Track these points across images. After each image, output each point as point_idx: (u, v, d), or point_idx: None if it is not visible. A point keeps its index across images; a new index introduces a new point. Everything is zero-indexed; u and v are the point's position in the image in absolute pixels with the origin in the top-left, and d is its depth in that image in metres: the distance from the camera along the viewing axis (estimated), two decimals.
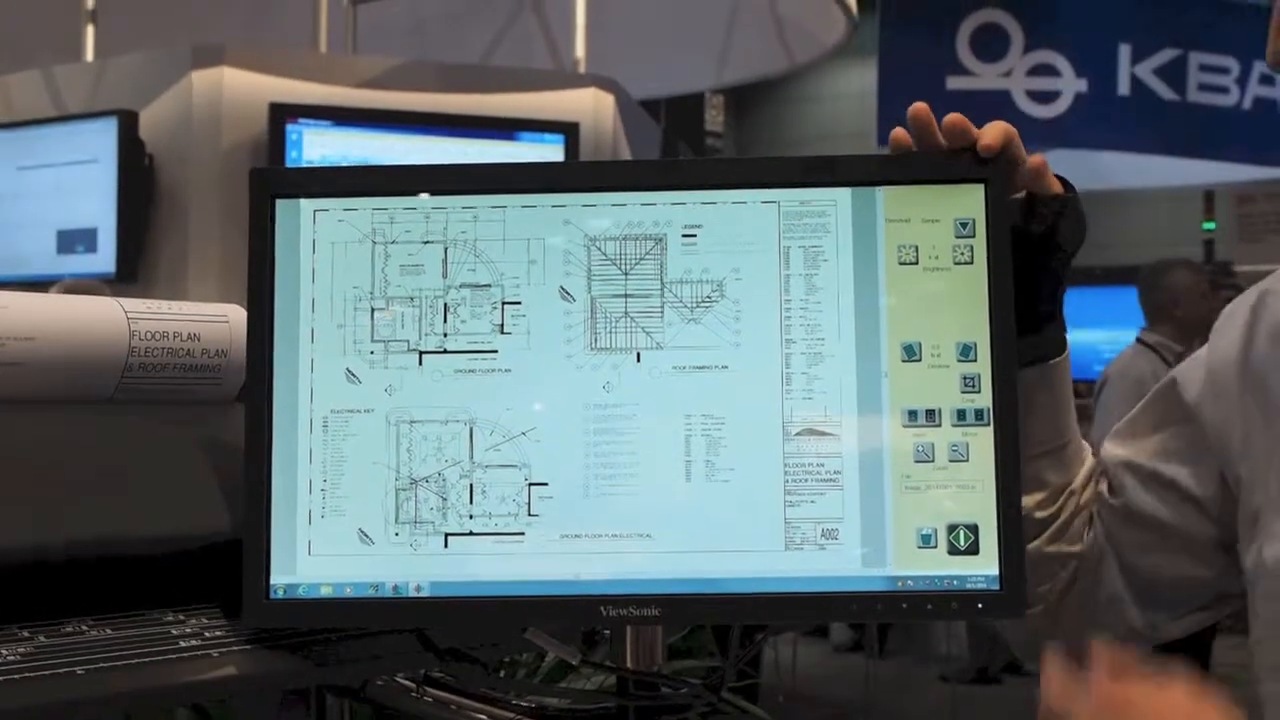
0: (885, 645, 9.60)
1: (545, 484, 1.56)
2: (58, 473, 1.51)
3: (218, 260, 5.89)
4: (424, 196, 1.60)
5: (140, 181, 5.94)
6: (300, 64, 6.24)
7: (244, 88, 5.99)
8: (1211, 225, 11.75)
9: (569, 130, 6.22)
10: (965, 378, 1.55)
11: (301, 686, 1.65)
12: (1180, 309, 6.56)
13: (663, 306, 1.57)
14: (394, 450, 1.56)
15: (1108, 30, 9.71)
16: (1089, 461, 1.80)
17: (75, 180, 6.03)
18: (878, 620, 1.46)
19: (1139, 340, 6.59)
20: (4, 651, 1.36)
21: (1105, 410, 6.32)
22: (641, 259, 1.58)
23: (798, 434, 1.55)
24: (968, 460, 1.54)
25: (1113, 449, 1.80)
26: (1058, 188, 1.64)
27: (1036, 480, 1.73)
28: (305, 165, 5.67)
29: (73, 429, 1.58)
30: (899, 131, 1.64)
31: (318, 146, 5.96)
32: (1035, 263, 1.63)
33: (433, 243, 1.59)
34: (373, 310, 1.58)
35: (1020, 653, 1.82)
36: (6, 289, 1.60)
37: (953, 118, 1.60)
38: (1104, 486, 1.79)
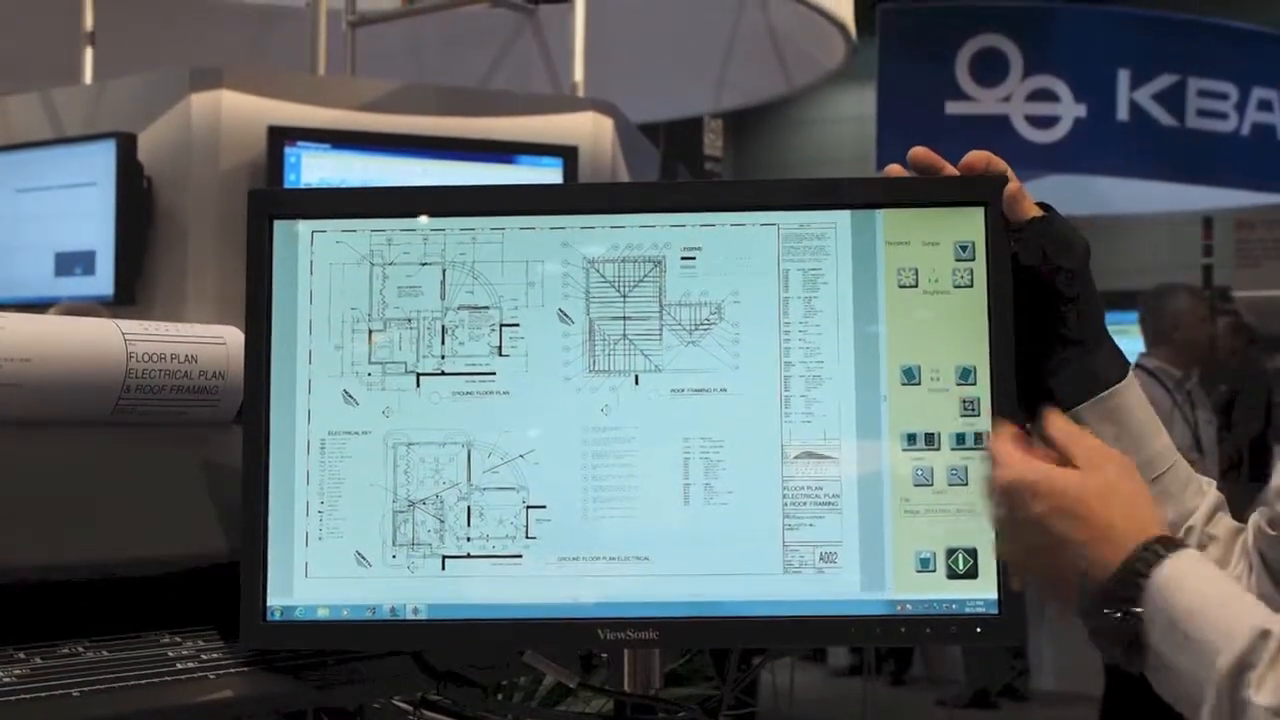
0: (904, 673, 9.59)
1: (543, 506, 1.56)
2: (54, 494, 1.51)
3: (216, 282, 5.88)
4: (422, 218, 1.60)
5: (139, 204, 5.92)
6: (299, 87, 6.22)
7: (242, 110, 5.98)
8: (1210, 250, 11.76)
9: (567, 154, 6.20)
10: (965, 401, 1.55)
11: (298, 709, 1.64)
12: (1179, 333, 6.55)
13: (661, 329, 1.57)
14: (391, 472, 1.56)
15: (1107, 56, 9.71)
16: (1211, 495, 1.65)
17: (73, 203, 6.01)
18: (876, 644, 1.45)
19: (1137, 365, 6.57)
20: (1, 674, 1.36)
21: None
22: (640, 281, 1.57)
23: (796, 457, 1.55)
24: (967, 484, 1.54)
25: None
26: (1034, 212, 1.60)
27: None
28: (304, 187, 5.68)
29: (69, 450, 1.58)
30: (895, 168, 1.63)
31: (316, 169, 5.95)
32: (1045, 291, 1.60)
33: (431, 264, 1.59)
34: (370, 332, 1.58)
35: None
36: (3, 311, 1.60)
37: (917, 151, 1.60)
38: (1264, 520, 1.61)
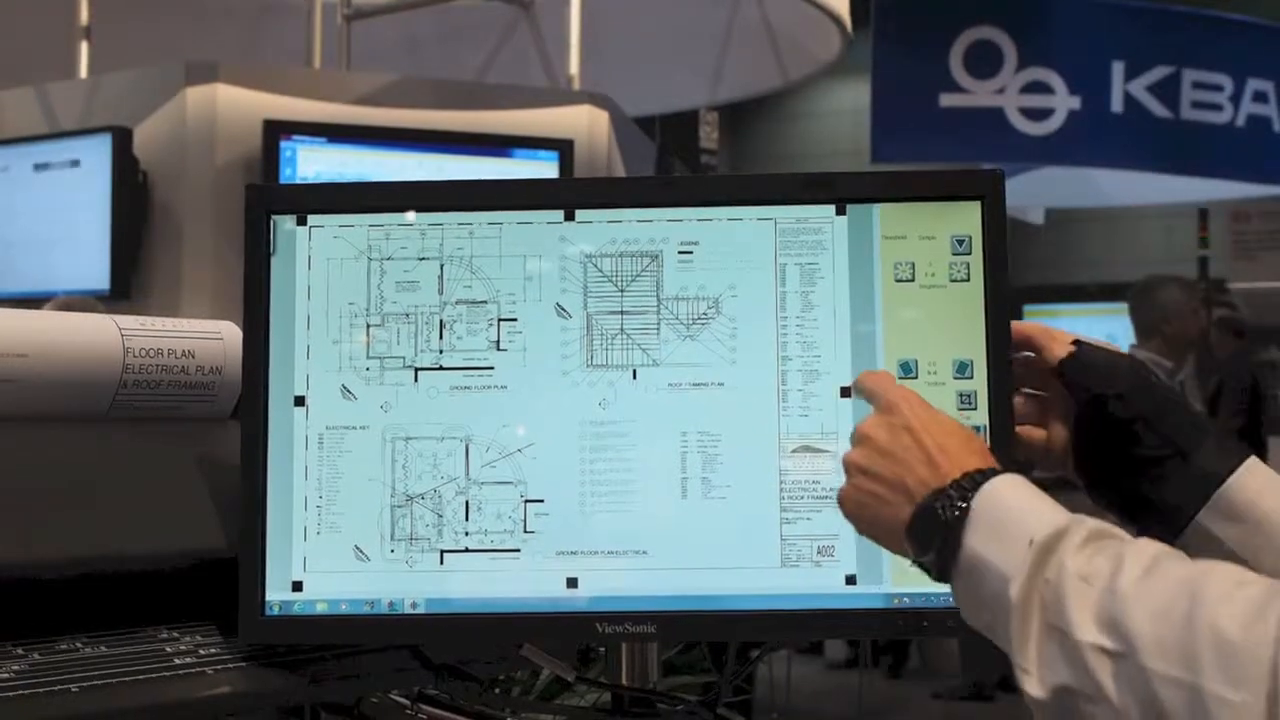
0: (901, 666, 9.59)
1: (541, 501, 1.56)
2: (52, 490, 1.51)
3: (211, 277, 5.88)
4: (420, 213, 1.59)
5: (134, 198, 5.92)
6: (294, 81, 6.22)
7: (238, 104, 5.98)
8: (1206, 242, 11.76)
9: (563, 147, 6.20)
10: (962, 395, 1.55)
11: (296, 704, 1.64)
12: (1170, 325, 6.55)
13: (659, 323, 1.57)
14: (389, 467, 1.56)
15: (1101, 47, 9.70)
16: None
17: (69, 197, 6.02)
18: (872, 637, 1.44)
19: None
20: None
21: None
22: (638, 275, 1.58)
23: (794, 451, 1.55)
24: None
25: None
26: (1065, 350, 1.57)
27: None
28: (300, 182, 5.68)
29: (67, 446, 1.58)
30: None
31: (312, 163, 5.95)
32: (1110, 419, 1.57)
33: (428, 259, 1.59)
34: (368, 326, 1.58)
35: None
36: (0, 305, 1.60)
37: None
38: None
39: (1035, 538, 1.24)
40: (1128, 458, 1.55)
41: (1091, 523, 1.26)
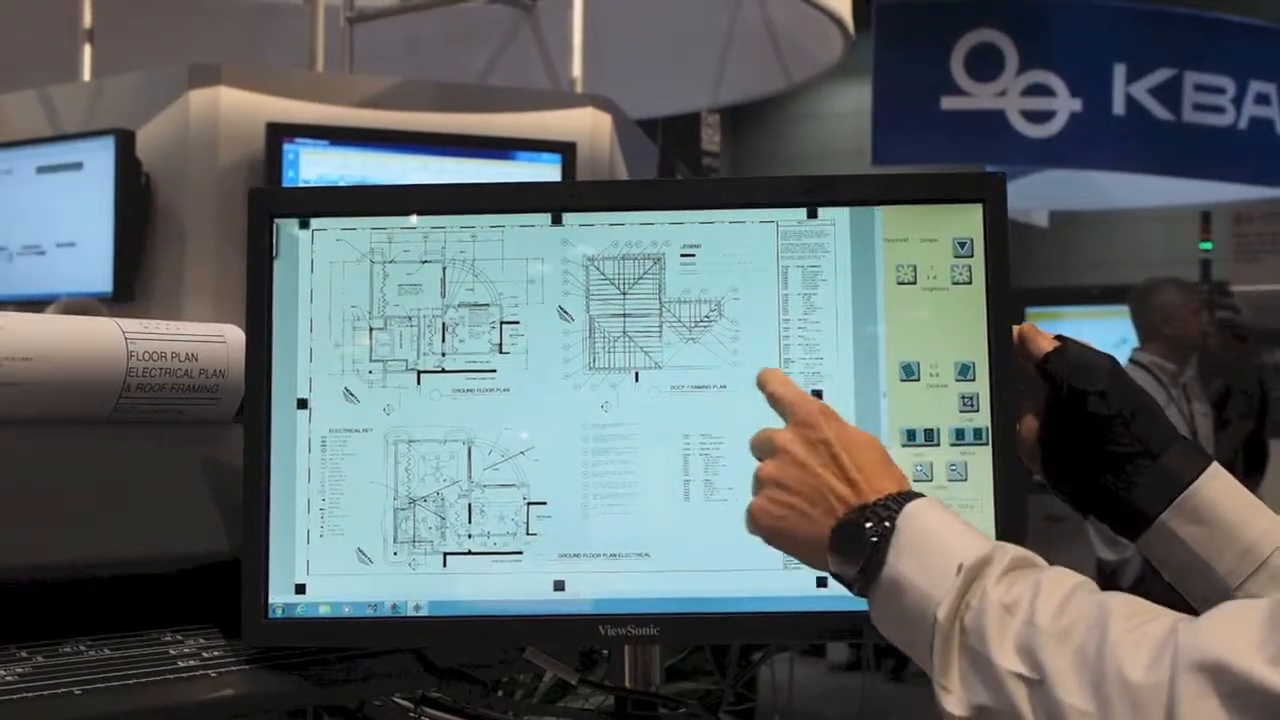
0: (903, 668, 9.59)
1: (544, 503, 1.56)
2: (56, 493, 1.51)
3: (214, 279, 5.88)
4: (423, 216, 1.60)
5: (137, 200, 5.92)
6: (297, 83, 6.21)
7: (241, 107, 5.98)
8: (1208, 245, 11.77)
9: (566, 150, 6.19)
10: (964, 397, 1.55)
11: (299, 707, 1.64)
12: (1171, 327, 6.54)
13: (661, 326, 1.57)
14: (392, 470, 1.56)
15: (1103, 50, 9.71)
16: None
17: (72, 199, 6.03)
18: (876, 640, 1.45)
19: (1131, 360, 6.56)
20: (2, 672, 1.36)
21: None
22: (640, 278, 1.58)
23: None
24: (966, 480, 1.54)
25: None
26: (1049, 346, 1.58)
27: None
28: (303, 185, 5.67)
29: (71, 449, 1.58)
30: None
31: (315, 166, 5.94)
32: (1086, 416, 1.57)
33: (431, 262, 1.59)
34: (371, 329, 1.58)
35: None
36: (2, 308, 1.60)
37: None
38: None
39: (963, 563, 1.29)
40: (1099, 455, 1.58)
41: (1013, 550, 1.32)
